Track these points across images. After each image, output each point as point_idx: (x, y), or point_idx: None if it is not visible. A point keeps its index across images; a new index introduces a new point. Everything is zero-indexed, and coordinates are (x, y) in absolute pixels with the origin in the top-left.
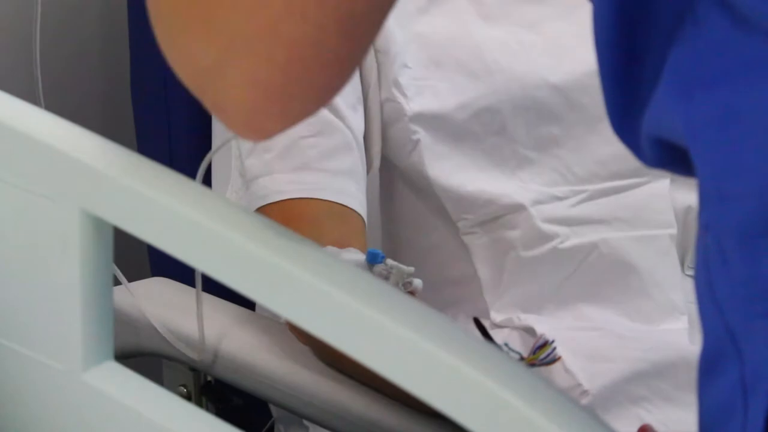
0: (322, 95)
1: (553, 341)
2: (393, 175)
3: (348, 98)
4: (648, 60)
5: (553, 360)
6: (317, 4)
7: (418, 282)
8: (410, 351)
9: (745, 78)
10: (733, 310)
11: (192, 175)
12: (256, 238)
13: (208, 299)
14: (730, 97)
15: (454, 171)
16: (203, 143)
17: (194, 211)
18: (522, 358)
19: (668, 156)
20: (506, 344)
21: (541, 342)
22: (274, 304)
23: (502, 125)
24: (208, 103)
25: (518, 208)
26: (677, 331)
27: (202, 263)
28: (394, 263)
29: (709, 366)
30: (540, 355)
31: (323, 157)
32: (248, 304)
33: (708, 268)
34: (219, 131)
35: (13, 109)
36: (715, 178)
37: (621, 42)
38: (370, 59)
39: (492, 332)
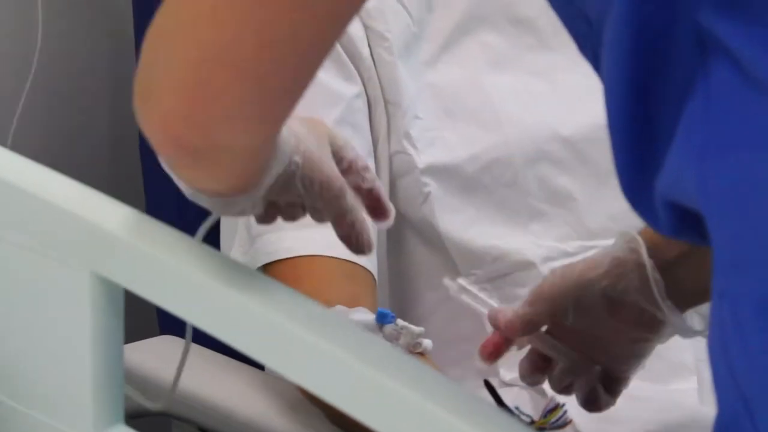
0: (238, 107)
1: (564, 404)
2: (402, 228)
3: (357, 150)
4: (660, 128)
5: (564, 424)
6: (238, 11)
7: (427, 342)
8: (422, 418)
9: (759, 143)
10: (747, 380)
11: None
12: (265, 301)
13: (219, 360)
14: (745, 162)
15: (465, 224)
16: None
17: (203, 275)
18: (533, 422)
19: (683, 222)
20: (517, 408)
21: (551, 405)
22: (282, 367)
23: (514, 177)
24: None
25: (528, 265)
26: (687, 392)
27: (211, 326)
28: (404, 323)
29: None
30: (551, 419)
31: None
32: (259, 364)
33: (723, 336)
34: None
35: (26, 172)
36: (730, 246)
37: (633, 111)
38: (379, 112)
39: (501, 391)
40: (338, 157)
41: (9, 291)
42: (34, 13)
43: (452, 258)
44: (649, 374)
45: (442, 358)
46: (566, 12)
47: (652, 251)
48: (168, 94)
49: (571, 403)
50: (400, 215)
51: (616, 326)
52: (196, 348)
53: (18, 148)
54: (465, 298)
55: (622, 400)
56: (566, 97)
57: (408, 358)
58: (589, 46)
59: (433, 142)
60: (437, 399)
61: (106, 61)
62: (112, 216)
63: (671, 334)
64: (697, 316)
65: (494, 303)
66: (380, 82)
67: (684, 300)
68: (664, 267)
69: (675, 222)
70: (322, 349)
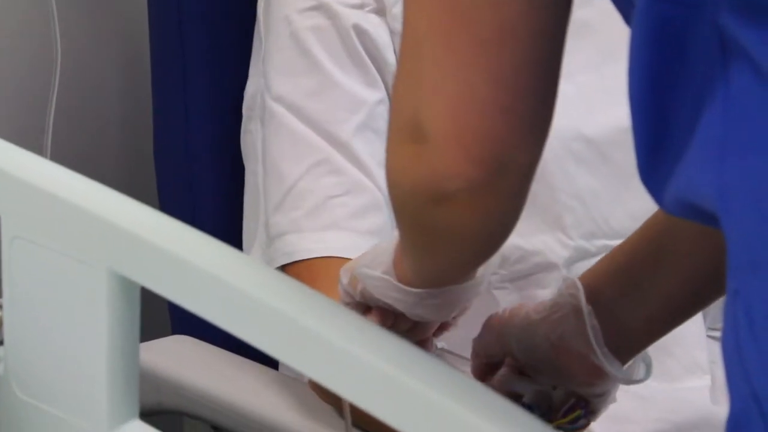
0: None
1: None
2: None
3: (378, 157)
4: (680, 116)
5: (582, 426)
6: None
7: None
8: (437, 412)
9: None
10: (761, 381)
11: (215, 232)
12: (282, 297)
13: (232, 359)
14: (763, 164)
15: None
16: (228, 200)
17: (221, 271)
18: (550, 421)
19: (695, 216)
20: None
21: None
22: (299, 364)
23: (541, 174)
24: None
25: (551, 267)
26: (700, 389)
27: (227, 323)
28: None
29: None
30: (569, 419)
31: (352, 217)
32: (272, 363)
33: (737, 336)
34: (250, 186)
35: (41, 171)
36: (746, 246)
37: (654, 95)
38: None
39: None
40: None
41: (26, 288)
42: (51, 27)
43: None
44: (662, 373)
45: (460, 360)
46: None
47: (591, 294)
48: (444, 144)
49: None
50: None
51: (563, 369)
52: (209, 347)
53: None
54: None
55: (634, 401)
56: (587, 98)
57: (427, 355)
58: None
59: None
60: (454, 395)
61: (121, 69)
62: (129, 214)
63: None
64: (642, 365)
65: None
66: None
67: (626, 344)
68: (603, 310)
69: (688, 216)
70: (337, 345)
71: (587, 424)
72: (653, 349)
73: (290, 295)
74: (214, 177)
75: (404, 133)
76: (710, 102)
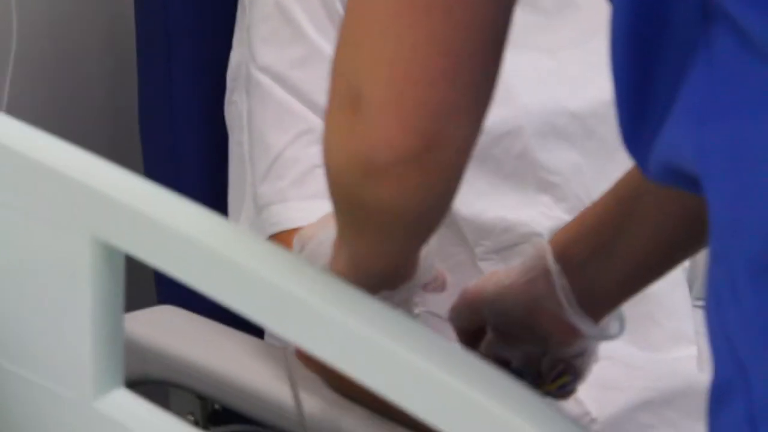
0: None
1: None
2: None
3: None
4: (662, 80)
5: (571, 391)
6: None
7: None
8: (422, 378)
9: (758, 109)
10: (743, 343)
11: (199, 200)
12: (267, 264)
13: (217, 328)
14: (744, 127)
15: (475, 197)
16: (212, 168)
17: (206, 238)
18: (538, 385)
19: (678, 181)
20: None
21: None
22: (285, 331)
23: (524, 149)
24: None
25: (535, 237)
26: (686, 359)
27: (213, 290)
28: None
29: (719, 398)
30: (558, 384)
31: None
32: (258, 332)
33: (719, 299)
34: (235, 156)
35: (25, 137)
36: (727, 209)
37: (636, 60)
38: None
39: None
40: None
41: (9, 256)
42: None
43: (461, 230)
44: (648, 343)
45: (448, 328)
46: None
47: (561, 255)
48: (380, 111)
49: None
50: None
51: (538, 330)
52: (194, 317)
53: (13, 114)
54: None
55: (620, 369)
56: (572, 74)
57: (411, 320)
58: None
59: None
60: (440, 360)
61: (104, 39)
62: (114, 180)
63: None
64: (616, 322)
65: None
66: None
67: (599, 303)
68: (574, 270)
69: (670, 180)
70: (321, 311)
71: (575, 390)
72: (640, 319)
73: (275, 262)
74: (199, 147)
75: (342, 99)
76: (692, 66)
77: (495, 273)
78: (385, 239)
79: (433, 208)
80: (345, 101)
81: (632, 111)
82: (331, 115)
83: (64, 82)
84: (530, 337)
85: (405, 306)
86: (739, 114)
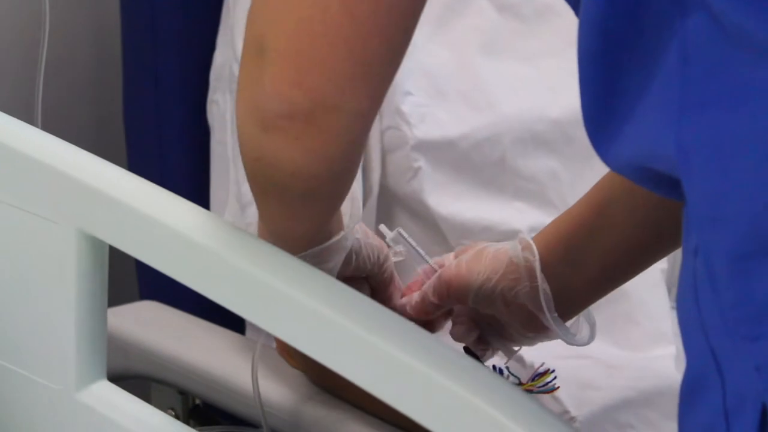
0: (340, 74)
1: (553, 370)
2: (391, 202)
3: None
4: (631, 73)
5: (552, 389)
6: None
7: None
8: (406, 373)
9: (737, 100)
10: (719, 335)
11: (182, 194)
12: (250, 257)
13: (199, 324)
14: (722, 119)
15: (453, 199)
16: (196, 167)
17: (190, 231)
18: (520, 383)
19: (649, 182)
20: (507, 367)
21: (542, 370)
22: (268, 324)
23: (502, 156)
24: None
25: (515, 234)
26: (665, 358)
27: (196, 283)
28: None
29: (691, 391)
30: (539, 383)
31: None
32: (239, 328)
33: (696, 293)
34: (218, 155)
35: (12, 130)
36: (707, 201)
37: (604, 52)
38: None
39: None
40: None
41: None
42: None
43: (441, 230)
44: (627, 343)
45: None
46: None
47: (544, 253)
48: (276, 63)
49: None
50: (389, 189)
51: (510, 319)
52: (176, 312)
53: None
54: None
55: (599, 369)
56: (552, 81)
57: (396, 316)
58: None
59: (424, 118)
60: (424, 356)
61: (92, 33)
62: (99, 173)
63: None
64: (586, 326)
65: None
66: None
67: (569, 304)
68: (548, 274)
69: (642, 181)
70: (310, 306)
71: (557, 388)
72: (619, 319)
73: (258, 255)
74: (184, 145)
75: (249, 47)
76: (664, 60)
77: (477, 259)
78: (289, 204)
79: (334, 175)
80: (252, 49)
81: (599, 100)
82: (241, 65)
83: (48, 78)
84: (496, 324)
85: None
86: (717, 105)
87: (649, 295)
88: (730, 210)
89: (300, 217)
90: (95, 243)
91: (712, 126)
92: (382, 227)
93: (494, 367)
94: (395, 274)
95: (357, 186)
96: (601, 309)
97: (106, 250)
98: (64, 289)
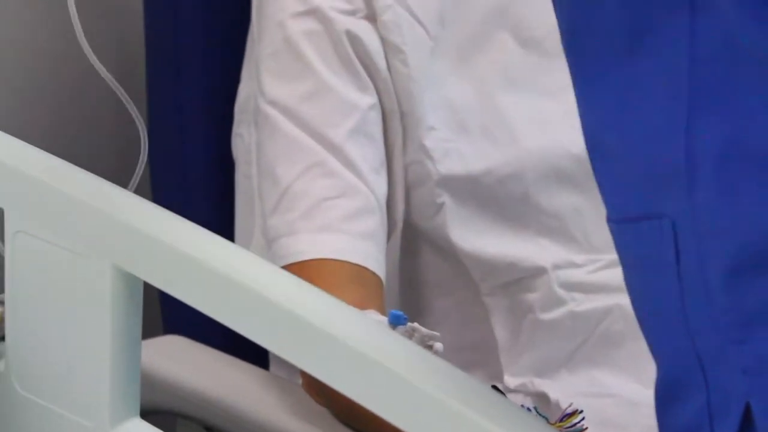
0: None
1: (581, 411)
2: (414, 237)
3: (371, 161)
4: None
5: (580, 430)
6: None
7: (439, 345)
8: (437, 409)
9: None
10: (707, 339)
11: (207, 227)
12: (283, 292)
13: (226, 359)
14: (727, 129)
15: (476, 235)
16: (221, 199)
17: (223, 267)
18: (549, 424)
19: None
20: (535, 408)
21: (570, 410)
22: (295, 356)
23: (525, 192)
24: None
25: (539, 271)
26: None
27: (228, 318)
28: (417, 325)
29: (670, 394)
30: (567, 423)
31: (346, 219)
32: (264, 364)
33: (681, 301)
34: (243, 188)
35: (45, 165)
36: (708, 212)
37: None
38: (395, 122)
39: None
40: None
41: (28, 284)
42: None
43: (465, 266)
44: (651, 381)
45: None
46: None
47: None
48: None
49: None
50: (413, 225)
51: None
52: (202, 347)
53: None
54: None
55: (624, 407)
56: (574, 117)
57: (424, 352)
58: None
59: (449, 153)
60: (454, 391)
61: (115, 70)
62: (133, 209)
63: None
64: None
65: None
66: (396, 94)
67: None
68: None
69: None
70: (336, 339)
71: (585, 428)
72: (643, 356)
73: (289, 289)
74: (209, 178)
75: None
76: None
77: None
78: None
79: None
80: None
81: None
82: None
83: (71, 110)
84: None
85: None
86: (725, 117)
87: None
88: (730, 220)
89: None
90: (130, 279)
91: (723, 132)
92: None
93: (522, 406)
94: None
95: (381, 220)
96: (625, 345)
97: (141, 286)
98: (99, 326)
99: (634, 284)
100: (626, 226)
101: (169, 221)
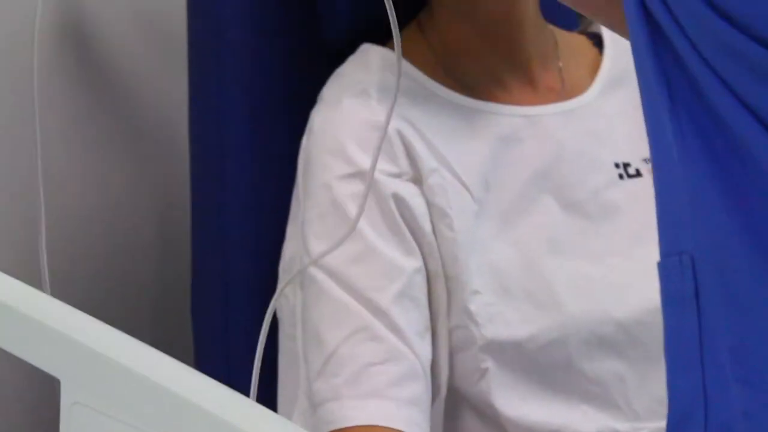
0: None
1: None
2: (457, 402)
3: (416, 326)
4: None
5: None
6: None
7: None
8: None
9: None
10: (712, 375)
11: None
12: None
13: None
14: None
15: (520, 401)
16: (264, 358)
17: None
18: None
19: None
20: None
21: None
22: None
23: (568, 359)
24: None
25: None
26: None
27: None
28: None
29: (676, 428)
30: None
31: (392, 385)
32: None
33: (699, 334)
34: (287, 350)
35: (103, 336)
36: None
37: None
38: (439, 286)
39: None
40: None
41: None
42: None
43: (507, 431)
44: None
45: None
46: None
47: None
48: None
49: None
50: (455, 389)
51: None
52: None
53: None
54: None
55: None
56: (617, 281)
57: None
58: None
59: (493, 318)
60: None
61: (157, 221)
62: (191, 384)
63: None
64: None
65: None
66: (441, 258)
67: None
68: None
69: None
70: None
71: None
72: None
73: None
74: (251, 338)
75: None
76: None
77: None
78: None
79: None
80: None
81: None
82: None
83: (118, 272)
84: None
85: None
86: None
87: None
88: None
89: None
90: None
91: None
92: None
93: None
94: None
95: (425, 386)
96: (660, 381)
97: None
98: None
99: (665, 321)
100: (661, 262)
101: (228, 397)
